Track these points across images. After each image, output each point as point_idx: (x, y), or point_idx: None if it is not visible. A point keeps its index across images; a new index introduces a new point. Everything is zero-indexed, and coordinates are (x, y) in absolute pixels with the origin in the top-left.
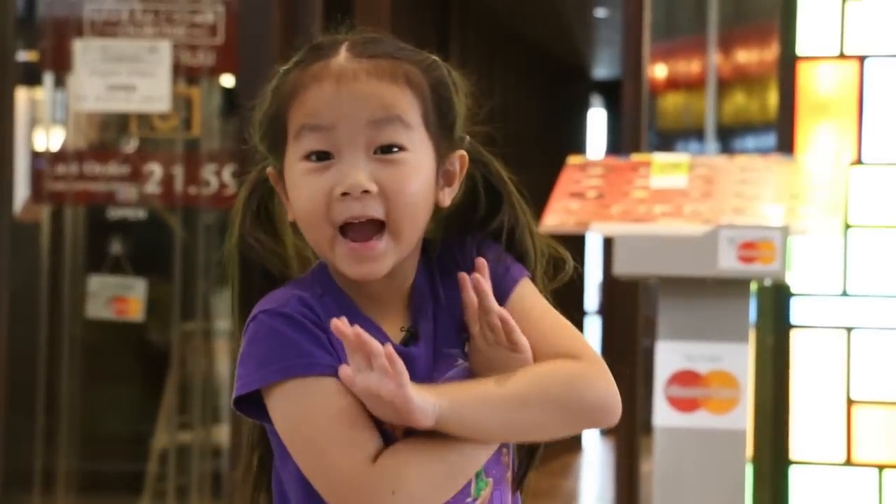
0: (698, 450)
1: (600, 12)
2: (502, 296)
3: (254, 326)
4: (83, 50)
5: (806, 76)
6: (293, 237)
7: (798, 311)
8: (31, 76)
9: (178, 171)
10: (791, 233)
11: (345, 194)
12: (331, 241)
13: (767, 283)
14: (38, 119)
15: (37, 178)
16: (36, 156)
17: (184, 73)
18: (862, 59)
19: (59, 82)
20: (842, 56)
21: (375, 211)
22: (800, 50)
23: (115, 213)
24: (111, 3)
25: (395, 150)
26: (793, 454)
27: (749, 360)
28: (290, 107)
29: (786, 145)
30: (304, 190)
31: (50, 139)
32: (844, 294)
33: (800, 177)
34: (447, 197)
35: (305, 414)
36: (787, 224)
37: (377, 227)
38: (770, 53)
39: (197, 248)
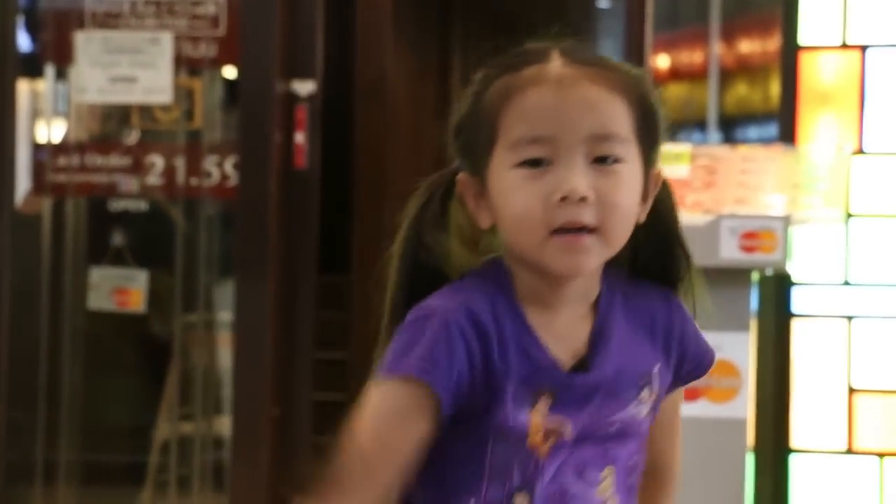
0: (699, 439)
1: (603, 2)
2: (689, 377)
3: (415, 316)
4: (85, 41)
5: (808, 66)
6: (460, 248)
7: (799, 301)
8: (33, 68)
9: (180, 163)
10: (793, 222)
11: (563, 199)
12: (542, 243)
13: (769, 272)
14: (40, 111)
15: (38, 170)
16: (37, 148)
17: (185, 65)
18: (864, 48)
19: (61, 74)
20: (844, 46)
21: (589, 218)
22: (802, 40)
23: (116, 205)
24: None
25: (612, 161)
26: (794, 443)
27: (750, 349)
28: (503, 112)
29: (788, 135)
30: (519, 194)
31: (51, 131)
32: (846, 283)
33: (802, 166)
34: (643, 214)
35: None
36: (788, 214)
37: (587, 232)
38: (772, 43)
39: (198, 240)
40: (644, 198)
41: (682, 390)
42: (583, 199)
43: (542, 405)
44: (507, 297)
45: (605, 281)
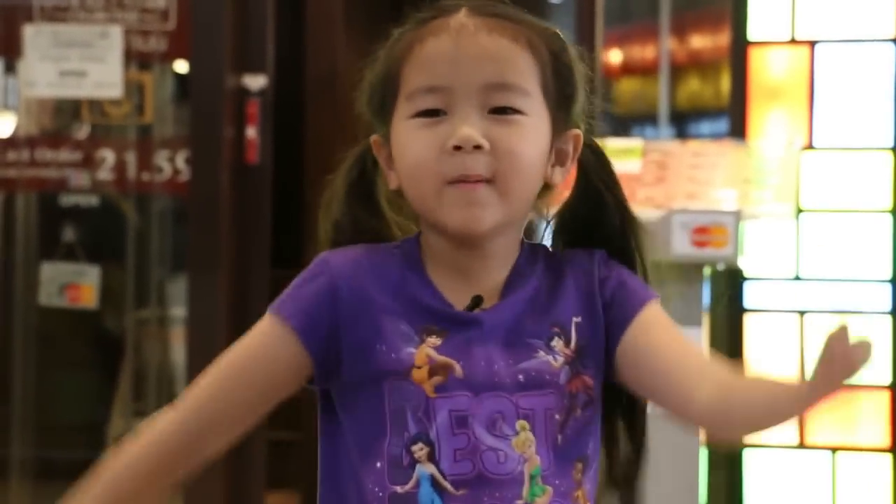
0: (653, 434)
1: None
2: (624, 320)
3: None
4: (33, 35)
5: (758, 61)
6: (392, 214)
7: (751, 295)
8: None
9: (131, 158)
10: (744, 217)
11: (457, 148)
12: (437, 193)
13: (721, 267)
14: None
15: None
16: None
17: (136, 59)
18: (813, 44)
19: (10, 68)
20: (793, 41)
21: (485, 169)
22: (751, 35)
23: (67, 200)
24: None
25: (511, 112)
26: (747, 438)
27: (703, 344)
28: (404, 64)
29: (738, 130)
30: (413, 144)
31: (1, 125)
32: (797, 278)
33: (752, 162)
34: (558, 176)
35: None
36: (739, 209)
37: (483, 183)
38: (722, 38)
39: (150, 235)
40: (561, 161)
41: (651, 318)
42: (477, 148)
43: (431, 342)
44: (412, 259)
45: (526, 250)
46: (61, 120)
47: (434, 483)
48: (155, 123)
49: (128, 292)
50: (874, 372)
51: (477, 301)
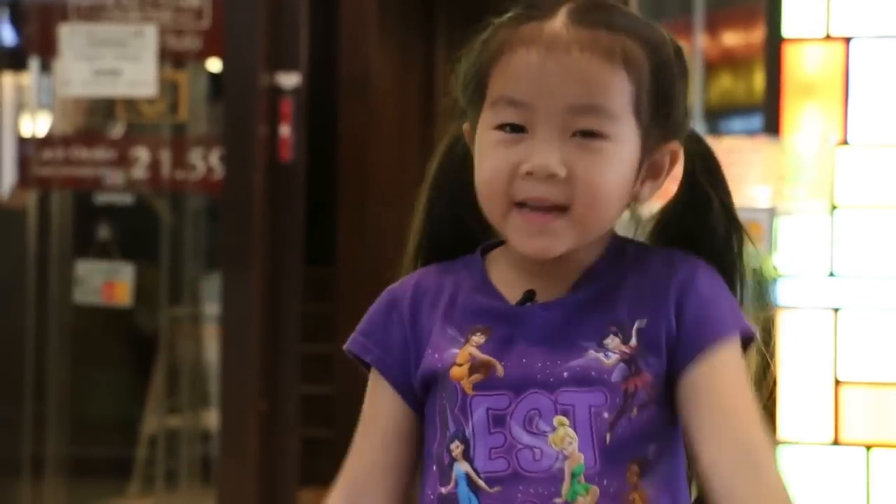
0: None
1: None
2: (685, 357)
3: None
4: (69, 34)
5: (792, 58)
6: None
7: (785, 292)
8: (17, 61)
9: (165, 156)
10: (778, 214)
11: (529, 173)
12: (504, 215)
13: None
14: (25, 104)
15: (24, 163)
16: (23, 141)
17: (170, 58)
18: (848, 40)
19: (45, 67)
20: (828, 37)
21: (559, 197)
22: (786, 31)
23: (102, 199)
24: None
25: (596, 136)
26: (780, 434)
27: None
28: (493, 67)
29: (772, 127)
30: (489, 160)
31: (36, 124)
32: (831, 275)
33: (786, 158)
34: (649, 191)
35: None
36: (773, 205)
37: (559, 210)
38: (756, 35)
39: (184, 233)
40: (654, 175)
41: (723, 357)
42: (552, 176)
43: (475, 341)
44: (472, 265)
45: (612, 251)
46: (95, 119)
47: (469, 481)
48: (189, 122)
49: (162, 290)
50: None
51: (529, 296)
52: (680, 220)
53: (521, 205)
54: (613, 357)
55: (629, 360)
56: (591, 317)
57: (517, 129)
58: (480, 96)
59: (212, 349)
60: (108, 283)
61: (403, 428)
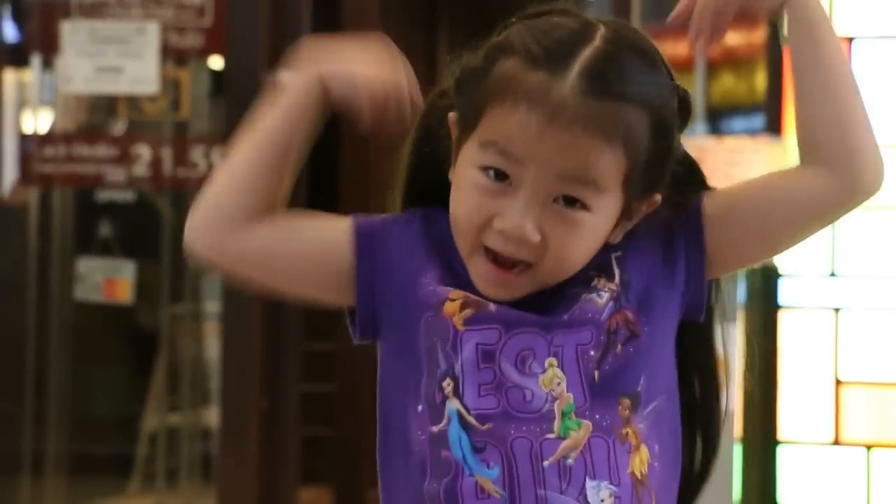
0: None
1: None
2: (695, 220)
3: None
4: (71, 31)
5: None
6: None
7: (786, 292)
8: (19, 58)
9: (167, 154)
10: None
11: (501, 231)
12: (471, 253)
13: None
14: (26, 101)
15: (25, 160)
16: (24, 138)
17: (172, 55)
18: (850, 40)
19: (47, 64)
20: None
21: (527, 255)
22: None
23: (103, 196)
24: None
25: (578, 205)
26: (781, 434)
27: (738, 341)
28: (492, 104)
29: (774, 126)
30: (466, 200)
31: (38, 121)
32: (832, 275)
33: (788, 158)
34: (619, 234)
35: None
36: None
37: (524, 265)
38: (758, 35)
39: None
40: (629, 218)
41: (713, 195)
42: (523, 240)
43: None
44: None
45: None
46: (96, 116)
47: (461, 419)
48: (191, 119)
49: (163, 287)
50: None
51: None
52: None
53: (488, 249)
54: (605, 296)
55: (616, 298)
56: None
57: (501, 175)
58: (473, 118)
59: (212, 347)
60: (109, 280)
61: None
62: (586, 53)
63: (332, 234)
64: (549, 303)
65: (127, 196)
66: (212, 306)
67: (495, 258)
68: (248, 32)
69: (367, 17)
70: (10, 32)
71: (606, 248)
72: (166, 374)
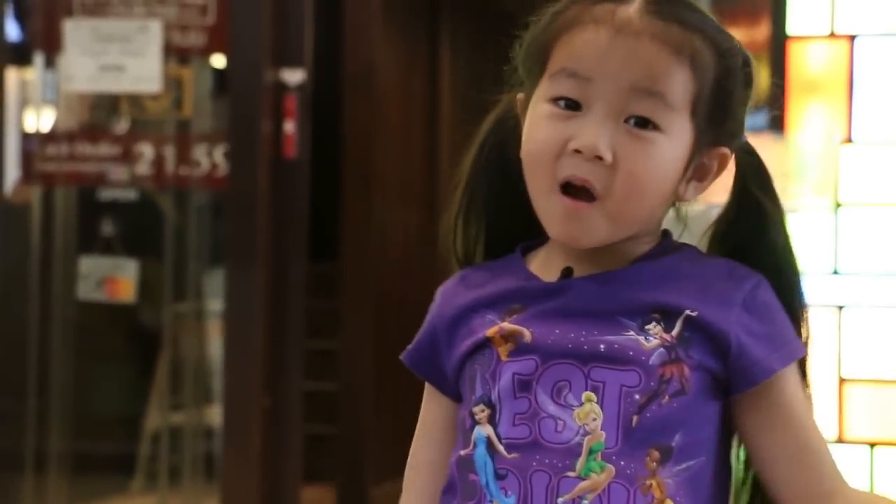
0: None
1: None
2: (747, 377)
3: None
4: (73, 29)
5: (796, 55)
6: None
7: None
8: (22, 56)
9: (170, 152)
10: None
11: (577, 151)
12: (547, 192)
13: None
14: (29, 99)
15: (27, 159)
16: (26, 137)
17: (175, 54)
18: (852, 38)
19: (50, 62)
20: (832, 35)
21: (599, 182)
22: (790, 29)
23: (106, 194)
24: None
25: (650, 126)
26: None
27: None
28: (559, 39)
29: (776, 124)
30: (539, 132)
31: (40, 120)
32: (835, 272)
33: (791, 156)
34: (692, 192)
35: None
36: None
37: (590, 200)
38: (760, 33)
39: (188, 229)
40: (700, 177)
41: (776, 397)
42: (598, 158)
43: (510, 319)
44: (513, 264)
45: (666, 243)
46: (99, 114)
47: (489, 445)
48: (193, 118)
49: (165, 286)
50: None
51: (567, 273)
52: (735, 229)
53: (564, 190)
54: (654, 341)
55: (669, 348)
56: (634, 296)
57: (572, 105)
58: (541, 67)
59: (215, 345)
60: (111, 279)
61: (451, 425)
62: None
63: (444, 412)
64: (598, 314)
65: (129, 195)
66: (214, 305)
67: (568, 192)
68: (250, 31)
69: (369, 15)
70: (13, 31)
71: (682, 301)
72: (169, 373)
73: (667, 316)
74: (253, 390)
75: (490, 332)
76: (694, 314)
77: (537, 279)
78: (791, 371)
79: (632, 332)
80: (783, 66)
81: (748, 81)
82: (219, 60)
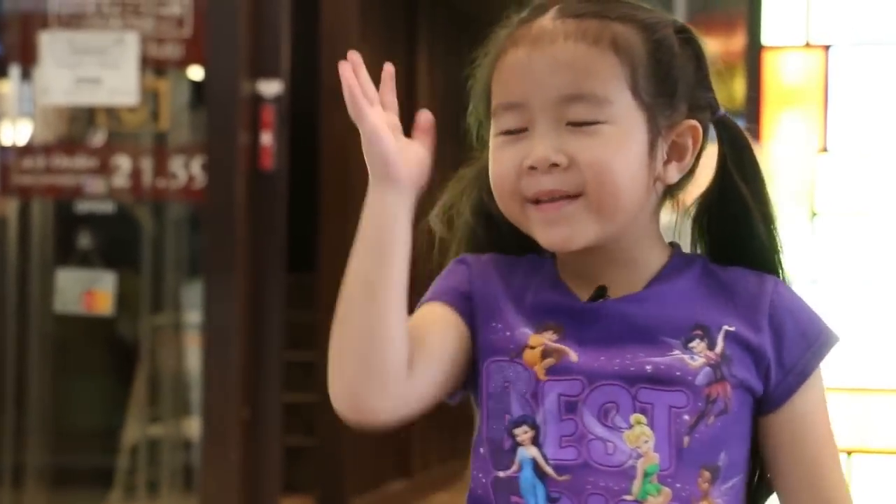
0: None
1: None
2: (781, 393)
3: None
4: (49, 42)
5: (772, 65)
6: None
7: None
8: None
9: (147, 164)
10: None
11: (532, 168)
12: (521, 209)
13: None
14: (5, 112)
15: (4, 171)
16: (3, 149)
17: (151, 66)
18: (827, 48)
19: (26, 75)
20: (807, 45)
21: (568, 185)
22: (766, 39)
23: (83, 207)
24: None
25: (590, 124)
26: None
27: None
28: (493, 73)
29: (752, 134)
30: (496, 163)
31: (17, 133)
32: (812, 281)
33: (766, 165)
34: (674, 173)
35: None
36: None
37: (571, 198)
38: (736, 43)
39: (166, 241)
40: (678, 157)
41: (814, 390)
42: (554, 166)
43: (547, 336)
44: (540, 263)
45: (678, 258)
46: (76, 127)
47: (536, 467)
48: (170, 130)
49: (143, 298)
50: (889, 375)
51: (601, 292)
52: (718, 222)
53: (536, 203)
54: (699, 360)
55: (714, 366)
56: (674, 315)
57: (516, 132)
58: (487, 106)
59: (193, 357)
60: (89, 291)
61: (451, 323)
62: (561, 4)
63: (449, 329)
64: (640, 335)
65: (106, 207)
66: (192, 317)
67: (540, 202)
68: (227, 43)
69: (346, 27)
70: None
71: (717, 316)
72: (147, 385)
73: (707, 332)
74: (231, 402)
75: (532, 342)
76: (732, 329)
77: (573, 296)
78: (817, 377)
79: (677, 352)
80: (758, 77)
81: (690, 48)
82: (196, 72)
